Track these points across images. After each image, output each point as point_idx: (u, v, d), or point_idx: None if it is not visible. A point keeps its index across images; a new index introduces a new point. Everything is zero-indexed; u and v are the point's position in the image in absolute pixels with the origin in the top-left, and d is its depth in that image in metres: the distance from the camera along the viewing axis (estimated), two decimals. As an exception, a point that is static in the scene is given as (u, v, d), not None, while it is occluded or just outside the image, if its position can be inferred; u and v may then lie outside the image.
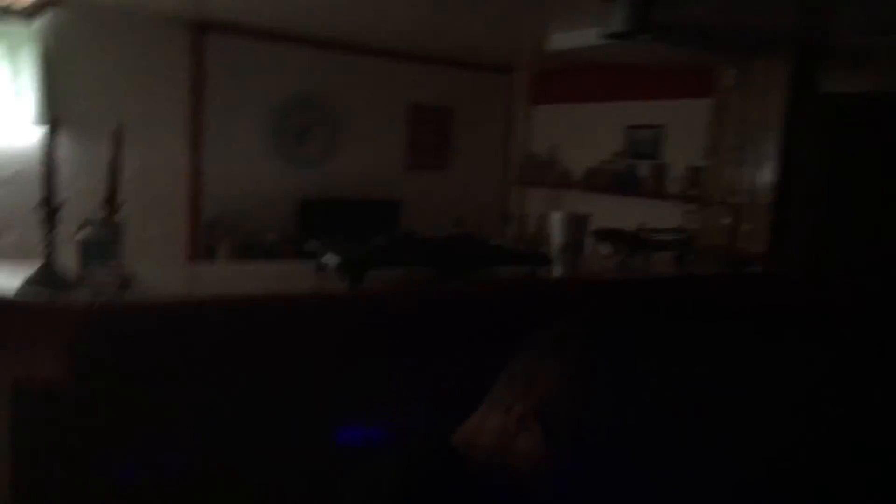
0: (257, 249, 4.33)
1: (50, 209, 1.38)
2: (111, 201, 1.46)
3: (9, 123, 3.69)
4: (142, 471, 1.44)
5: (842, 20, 2.64)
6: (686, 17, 2.71)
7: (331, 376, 1.61)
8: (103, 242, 1.44)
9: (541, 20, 3.41)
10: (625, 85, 4.65)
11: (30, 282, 1.37)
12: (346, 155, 4.90)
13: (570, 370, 1.04)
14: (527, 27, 3.66)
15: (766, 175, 3.15)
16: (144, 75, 4.10)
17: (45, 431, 1.35)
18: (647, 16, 2.49)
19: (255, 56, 4.39)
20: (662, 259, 2.48)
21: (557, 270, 2.03)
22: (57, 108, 3.70)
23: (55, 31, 3.75)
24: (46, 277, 1.39)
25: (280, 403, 1.56)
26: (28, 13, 3.64)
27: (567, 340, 1.08)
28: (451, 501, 1.06)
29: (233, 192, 4.41)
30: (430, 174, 5.30)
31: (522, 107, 5.51)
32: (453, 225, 2.48)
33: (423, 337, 1.72)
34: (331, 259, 1.66)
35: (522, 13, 3.34)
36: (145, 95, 4.09)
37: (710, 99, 3.53)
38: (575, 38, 3.37)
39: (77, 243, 1.44)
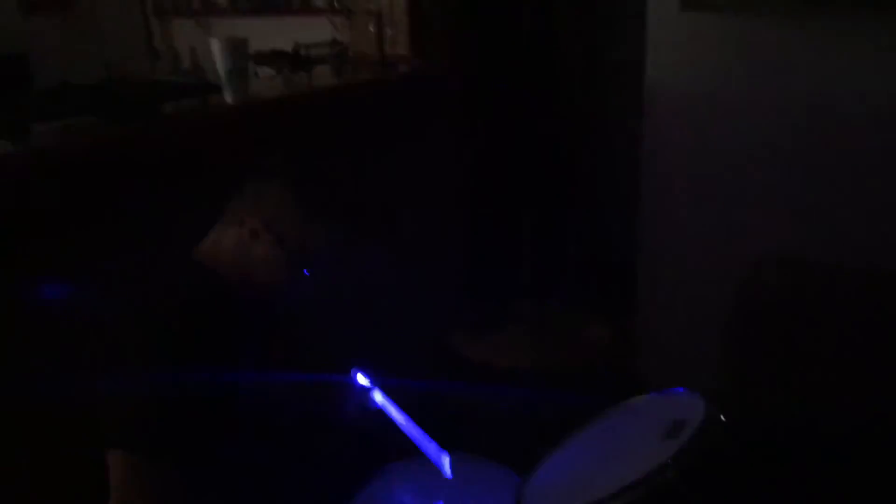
0: None
1: None
2: None
3: None
4: None
5: None
6: None
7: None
8: None
9: None
10: None
11: None
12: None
13: (292, 189, 1.30)
14: None
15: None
16: None
17: None
18: None
19: None
20: (322, 72, 2.68)
21: (228, 97, 2.12)
22: None
23: None
24: None
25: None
26: None
27: (287, 165, 1.35)
28: (210, 312, 1.21)
29: None
30: (55, 17, 4.66)
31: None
32: (105, 69, 2.35)
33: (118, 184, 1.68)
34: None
35: None
36: None
37: None
38: None
39: None
